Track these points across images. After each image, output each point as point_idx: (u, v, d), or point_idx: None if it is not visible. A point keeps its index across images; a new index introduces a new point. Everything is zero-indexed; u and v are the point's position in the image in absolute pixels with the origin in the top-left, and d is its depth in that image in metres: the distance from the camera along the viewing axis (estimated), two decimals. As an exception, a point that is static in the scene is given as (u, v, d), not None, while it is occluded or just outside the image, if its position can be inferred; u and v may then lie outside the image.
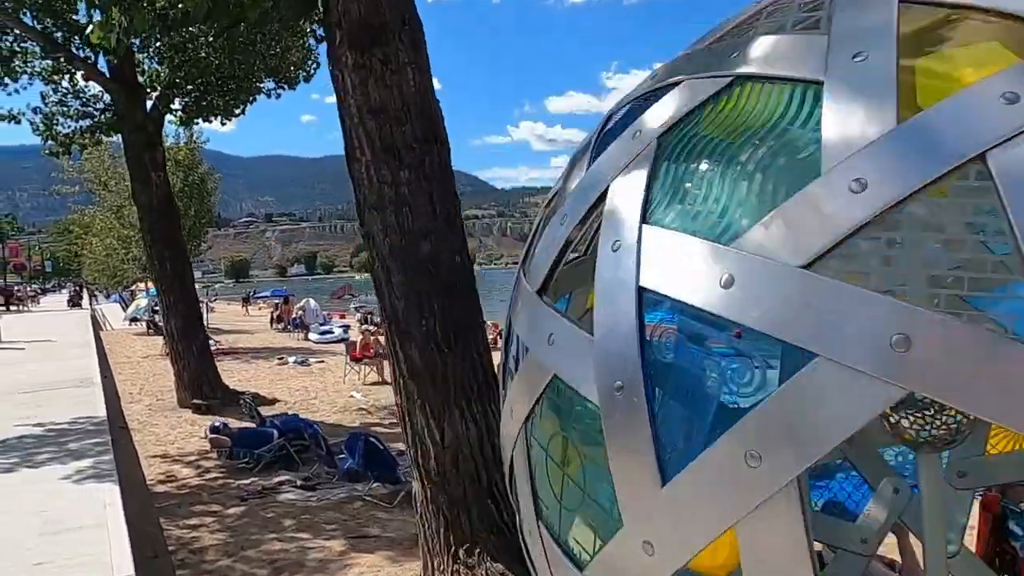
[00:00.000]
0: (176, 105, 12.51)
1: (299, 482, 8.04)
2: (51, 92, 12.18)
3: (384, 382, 15.54)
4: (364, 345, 16.03)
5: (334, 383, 15.78)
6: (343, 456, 8.32)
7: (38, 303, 53.00)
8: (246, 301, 49.28)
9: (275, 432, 8.96)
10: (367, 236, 5.12)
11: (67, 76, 11.85)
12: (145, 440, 10.42)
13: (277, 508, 7.31)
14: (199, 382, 12.45)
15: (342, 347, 23.83)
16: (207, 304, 38.03)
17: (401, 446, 8.77)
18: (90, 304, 46.05)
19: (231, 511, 7.25)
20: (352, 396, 13.92)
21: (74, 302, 52.02)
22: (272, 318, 32.44)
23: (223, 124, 13.32)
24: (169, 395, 14.17)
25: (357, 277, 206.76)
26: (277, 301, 41.48)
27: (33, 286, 72.56)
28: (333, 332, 26.06)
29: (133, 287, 45.74)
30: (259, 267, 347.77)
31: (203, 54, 11.61)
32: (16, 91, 11.72)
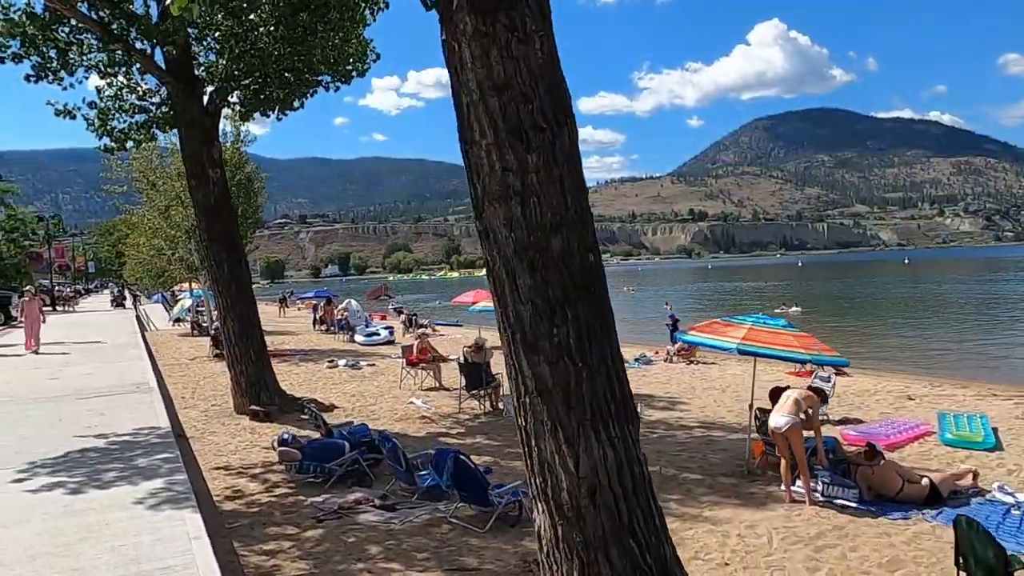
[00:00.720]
0: (233, 99, 12.01)
1: (377, 501, 7.41)
2: (106, 87, 11.77)
3: (442, 388, 14.93)
4: (421, 349, 15.41)
5: (390, 388, 15.19)
6: (424, 472, 7.68)
7: (77, 303, 53.49)
8: (283, 302, 49.08)
9: (346, 444, 8.36)
10: (486, 232, 4.43)
11: (123, 69, 11.41)
12: (205, 450, 9.90)
13: (358, 531, 6.68)
14: (257, 387, 11.93)
15: (389, 349, 23.41)
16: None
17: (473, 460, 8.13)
18: (135, 305, 46.01)
19: (309, 534, 6.63)
20: (412, 403, 13.30)
21: (118, 302, 52.47)
22: (315, 319, 32.09)
23: (279, 119, 12.77)
24: (223, 400, 13.70)
25: (391, 278, 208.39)
26: (317, 302, 41.24)
27: (76, 286, 73.64)
28: (379, 334, 25.56)
29: (175, 288, 45.88)
30: (293, 268, 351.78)
31: (262, 43, 11.09)
32: (71, 85, 11.28)
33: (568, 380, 4.26)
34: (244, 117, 12.45)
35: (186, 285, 33.31)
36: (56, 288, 55.24)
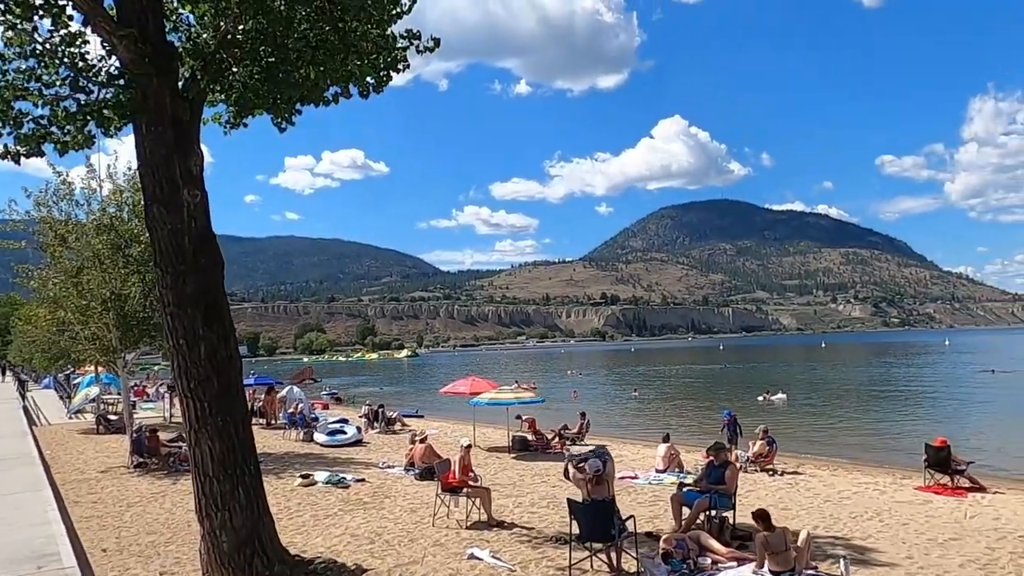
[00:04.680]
0: (229, 83, 7.62)
1: None
2: (13, 54, 7.19)
3: (498, 524, 10.34)
4: (464, 467, 10.82)
5: (417, 525, 10.47)
6: None
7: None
8: (172, 390, 42.18)
9: None
10: None
11: (43, 18, 6.93)
12: None
13: None
14: (248, 550, 7.15)
15: (362, 453, 18.48)
16: (162, 393, 31.60)
17: None
18: (21, 395, 37.15)
19: None
20: (473, 556, 8.69)
21: None
22: (254, 411, 26.48)
23: (282, 128, 8.42)
24: (173, 558, 8.74)
25: (305, 359, 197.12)
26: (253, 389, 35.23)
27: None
28: (345, 432, 20.52)
29: (70, 371, 38.78)
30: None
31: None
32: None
33: None
34: (239, 116, 7.98)
35: (90, 368, 27.12)
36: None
